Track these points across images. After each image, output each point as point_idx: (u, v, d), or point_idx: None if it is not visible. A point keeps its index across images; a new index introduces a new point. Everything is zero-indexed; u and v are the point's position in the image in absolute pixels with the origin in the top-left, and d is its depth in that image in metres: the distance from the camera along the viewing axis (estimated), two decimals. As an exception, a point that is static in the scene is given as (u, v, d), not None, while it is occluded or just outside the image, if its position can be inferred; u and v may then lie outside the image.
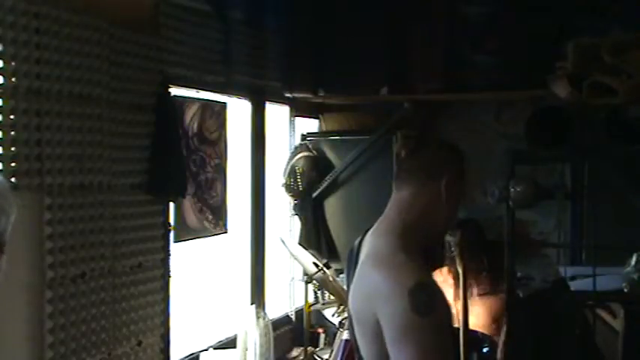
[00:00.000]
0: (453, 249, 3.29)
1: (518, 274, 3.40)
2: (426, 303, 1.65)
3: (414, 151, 1.93)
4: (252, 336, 3.55)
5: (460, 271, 3.18)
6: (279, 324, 4.29)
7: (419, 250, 1.82)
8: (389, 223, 1.85)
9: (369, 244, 1.87)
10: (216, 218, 3.62)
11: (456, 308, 2.84)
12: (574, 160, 3.84)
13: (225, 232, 3.74)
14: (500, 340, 3.28)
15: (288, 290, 4.63)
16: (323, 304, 4.26)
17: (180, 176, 3.22)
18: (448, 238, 3.34)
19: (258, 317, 3.60)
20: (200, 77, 3.47)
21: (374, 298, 1.72)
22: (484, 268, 3.38)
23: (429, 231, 1.87)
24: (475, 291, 3.38)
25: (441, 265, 3.34)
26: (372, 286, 1.75)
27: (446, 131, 4.45)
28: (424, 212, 1.83)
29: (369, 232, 1.90)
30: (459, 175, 1.87)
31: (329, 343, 4.20)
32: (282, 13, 4.05)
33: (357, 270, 1.86)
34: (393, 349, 1.67)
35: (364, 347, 1.82)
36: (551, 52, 3.12)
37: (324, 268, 3.76)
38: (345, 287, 3.86)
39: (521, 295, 3.20)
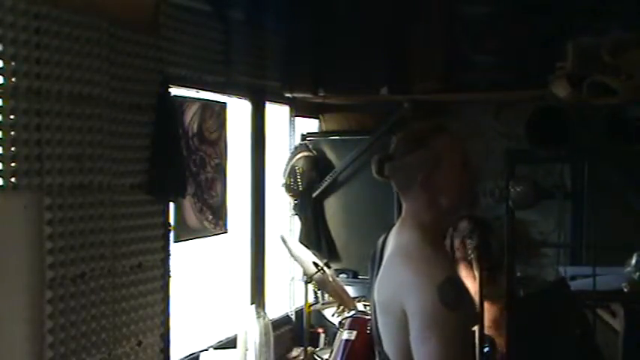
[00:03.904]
0: (470, 252, 3.30)
1: (518, 274, 3.40)
2: (455, 297, 1.67)
3: (390, 173, 1.89)
4: (252, 336, 3.55)
5: (477, 274, 3.18)
6: (279, 324, 4.29)
7: (443, 244, 1.88)
8: (410, 221, 1.87)
9: (394, 240, 1.89)
10: (216, 218, 3.62)
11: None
12: (574, 160, 3.83)
13: (225, 232, 3.74)
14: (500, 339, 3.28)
15: (288, 290, 4.63)
16: (323, 304, 4.26)
17: (180, 176, 3.22)
18: (468, 241, 3.35)
19: (258, 317, 3.60)
20: (200, 77, 3.47)
21: (402, 289, 1.74)
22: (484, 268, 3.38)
23: (444, 220, 1.91)
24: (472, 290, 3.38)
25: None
26: (400, 278, 1.76)
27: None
28: (431, 213, 1.85)
29: (392, 231, 1.93)
30: (436, 161, 1.83)
31: (329, 343, 4.20)
32: (282, 13, 4.06)
33: (384, 263, 1.88)
34: (417, 340, 1.68)
35: (387, 338, 1.83)
36: (551, 52, 3.12)
37: (325, 268, 3.76)
38: (344, 287, 3.90)
39: (521, 295, 3.20)
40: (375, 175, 1.92)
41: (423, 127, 1.93)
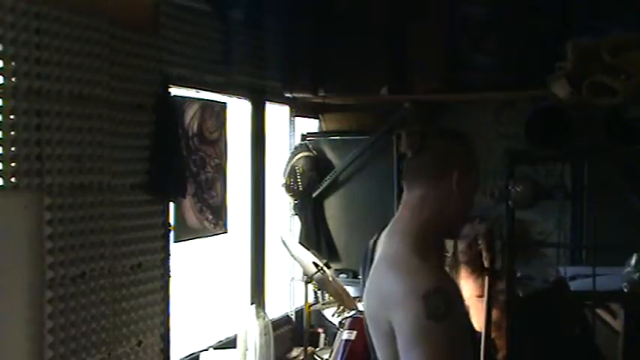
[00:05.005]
0: (479, 243, 3.28)
1: (518, 274, 3.39)
2: (441, 308, 1.61)
3: (420, 149, 1.80)
4: (252, 336, 3.55)
5: (486, 263, 3.17)
6: (279, 324, 4.29)
7: (435, 251, 1.78)
8: (403, 223, 1.81)
9: (383, 244, 1.83)
10: (216, 218, 3.62)
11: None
12: (574, 160, 3.83)
13: (225, 232, 3.74)
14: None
15: (288, 290, 4.63)
16: (323, 304, 4.26)
17: (180, 176, 3.22)
18: (478, 226, 3.34)
19: (258, 317, 3.60)
20: (200, 77, 3.47)
21: (388, 301, 1.69)
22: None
23: (444, 227, 1.84)
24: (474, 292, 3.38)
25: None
26: (386, 289, 1.71)
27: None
28: (438, 210, 1.79)
29: (384, 232, 1.87)
30: (470, 165, 1.82)
31: (329, 343, 4.20)
32: (282, 13, 4.06)
33: (372, 271, 1.82)
34: (404, 353, 1.64)
35: (378, 349, 1.80)
36: (551, 52, 3.12)
37: (325, 268, 3.76)
38: (344, 287, 3.90)
39: (521, 295, 3.19)
40: (407, 149, 1.82)
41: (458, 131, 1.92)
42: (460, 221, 1.89)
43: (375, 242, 1.91)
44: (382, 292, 1.73)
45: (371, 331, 1.83)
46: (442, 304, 1.62)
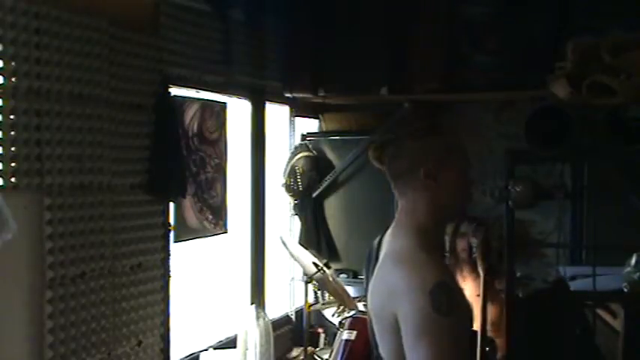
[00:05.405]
0: (474, 249, 3.29)
1: (518, 274, 3.40)
2: (447, 303, 1.63)
3: (394, 156, 1.84)
4: (252, 336, 3.55)
5: (481, 271, 3.18)
6: (279, 324, 4.29)
7: (438, 248, 1.81)
8: (404, 224, 1.83)
9: (388, 243, 1.85)
10: (216, 218, 3.62)
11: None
12: (574, 160, 3.83)
13: (225, 232, 3.74)
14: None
15: (288, 290, 4.63)
16: (323, 304, 4.27)
17: (180, 176, 3.22)
18: (471, 239, 3.35)
19: (258, 317, 3.60)
20: (200, 77, 3.47)
21: (394, 296, 1.70)
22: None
23: (443, 218, 1.86)
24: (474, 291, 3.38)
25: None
26: (392, 284, 1.73)
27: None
28: (432, 209, 1.80)
29: (388, 232, 1.89)
30: (444, 154, 1.80)
31: (329, 343, 4.20)
32: (282, 13, 4.06)
33: (377, 268, 1.84)
34: (409, 347, 1.65)
35: (382, 345, 1.81)
36: (551, 52, 3.12)
37: (324, 268, 3.76)
38: (344, 287, 3.90)
39: (521, 295, 3.20)
40: (372, 160, 1.84)
41: (430, 120, 1.90)
42: (459, 204, 1.88)
43: (380, 242, 1.93)
44: (388, 287, 1.75)
45: (375, 328, 1.85)
46: (448, 299, 1.64)
